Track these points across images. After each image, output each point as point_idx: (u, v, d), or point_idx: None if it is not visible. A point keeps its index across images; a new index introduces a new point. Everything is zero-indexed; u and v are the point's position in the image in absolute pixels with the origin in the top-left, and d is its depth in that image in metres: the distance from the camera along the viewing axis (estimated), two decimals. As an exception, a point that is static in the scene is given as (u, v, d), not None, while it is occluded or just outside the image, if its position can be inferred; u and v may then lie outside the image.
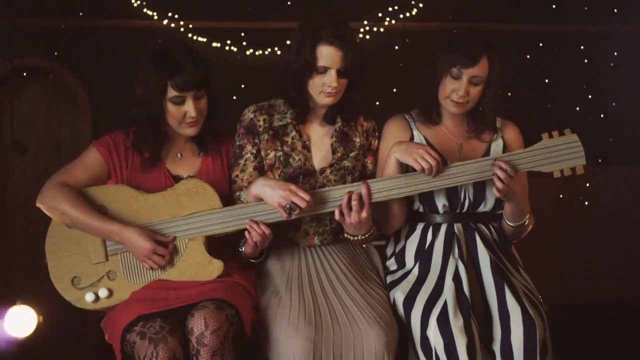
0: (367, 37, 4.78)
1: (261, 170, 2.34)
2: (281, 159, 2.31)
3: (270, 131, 2.34)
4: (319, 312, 2.15)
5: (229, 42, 4.70)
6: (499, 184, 2.16)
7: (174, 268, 2.21)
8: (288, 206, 2.13)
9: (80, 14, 4.59)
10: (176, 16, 4.68)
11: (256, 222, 2.18)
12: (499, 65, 2.30)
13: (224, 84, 4.32)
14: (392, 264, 2.41)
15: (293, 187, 2.15)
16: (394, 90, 4.65)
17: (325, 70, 2.22)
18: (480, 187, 2.28)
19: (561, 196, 4.78)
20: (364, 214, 2.18)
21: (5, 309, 3.42)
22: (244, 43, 4.68)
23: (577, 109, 4.90)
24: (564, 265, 4.93)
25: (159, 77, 2.18)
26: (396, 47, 4.73)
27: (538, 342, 2.09)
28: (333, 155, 2.35)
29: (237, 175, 2.34)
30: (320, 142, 2.37)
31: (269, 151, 2.33)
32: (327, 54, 2.21)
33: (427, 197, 2.30)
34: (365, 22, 4.77)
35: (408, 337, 2.18)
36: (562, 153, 2.21)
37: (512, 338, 2.09)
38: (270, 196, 2.16)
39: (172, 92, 2.19)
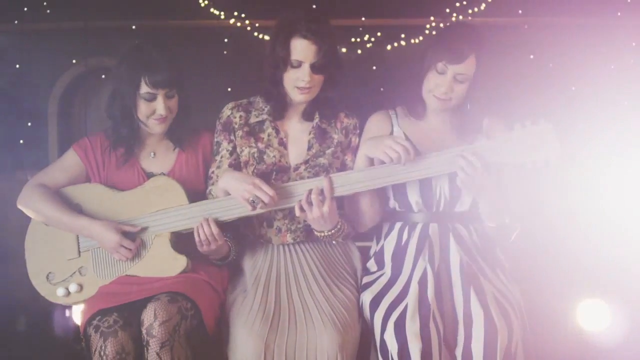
0: (434, 33, 4.69)
1: (237, 167, 2.32)
2: (255, 155, 2.29)
3: (246, 127, 2.33)
4: (278, 312, 2.12)
5: (293, 40, 4.71)
6: (461, 174, 2.07)
7: (141, 263, 2.25)
8: (252, 200, 2.11)
9: (150, 15, 4.72)
10: (242, 15, 4.73)
11: (206, 220, 2.17)
12: (487, 64, 2.18)
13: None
14: (372, 265, 2.34)
15: (257, 180, 2.12)
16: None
17: (299, 64, 2.19)
18: (455, 184, 2.16)
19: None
20: (325, 208, 2.12)
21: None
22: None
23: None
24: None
25: (133, 71, 2.22)
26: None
27: (498, 349, 1.98)
28: (307, 152, 2.31)
29: (213, 172, 2.34)
30: (297, 138, 2.34)
31: (243, 148, 2.32)
32: (300, 47, 2.18)
33: (400, 193, 2.24)
34: (432, 18, 4.69)
35: (371, 339, 2.13)
36: (534, 144, 2.03)
37: (473, 343, 2.00)
38: (235, 189, 2.15)
39: (144, 88, 2.22)
